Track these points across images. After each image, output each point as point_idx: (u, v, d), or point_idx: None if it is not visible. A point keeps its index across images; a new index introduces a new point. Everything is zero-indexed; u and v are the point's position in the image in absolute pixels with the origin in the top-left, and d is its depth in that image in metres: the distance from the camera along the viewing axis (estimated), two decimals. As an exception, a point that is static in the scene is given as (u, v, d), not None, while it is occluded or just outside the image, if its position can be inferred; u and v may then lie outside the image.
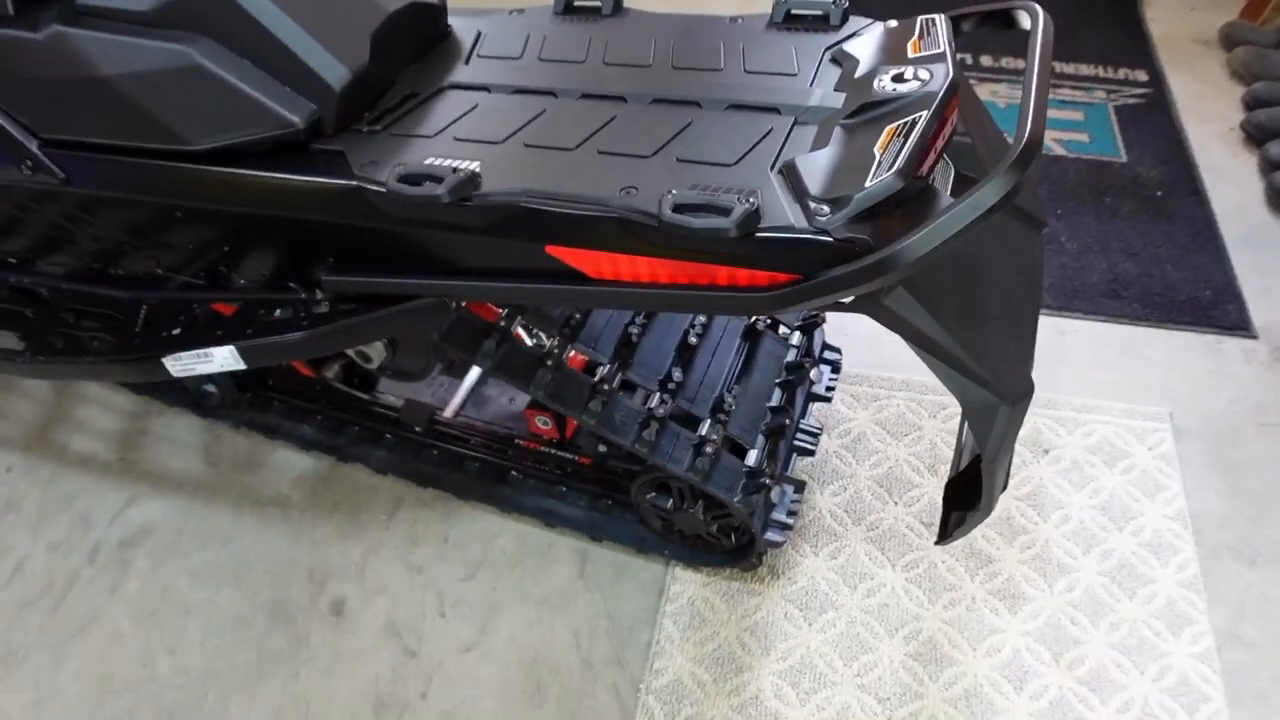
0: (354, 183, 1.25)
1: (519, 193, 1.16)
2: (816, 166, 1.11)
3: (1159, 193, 2.55)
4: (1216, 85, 3.02)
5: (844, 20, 1.42)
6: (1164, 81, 3.03)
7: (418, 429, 1.89)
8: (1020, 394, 1.21)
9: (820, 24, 1.43)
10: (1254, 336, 2.13)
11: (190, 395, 2.07)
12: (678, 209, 1.07)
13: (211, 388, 2.00)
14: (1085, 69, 3.08)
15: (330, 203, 1.29)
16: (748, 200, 1.06)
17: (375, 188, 1.22)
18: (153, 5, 1.33)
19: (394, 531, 1.86)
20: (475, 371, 1.93)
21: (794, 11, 1.44)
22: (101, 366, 1.61)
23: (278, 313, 1.48)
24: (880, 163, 1.06)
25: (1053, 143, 2.74)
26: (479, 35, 1.52)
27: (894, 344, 2.03)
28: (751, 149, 1.19)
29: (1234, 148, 2.74)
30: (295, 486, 1.95)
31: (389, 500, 1.91)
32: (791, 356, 1.76)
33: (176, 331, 1.56)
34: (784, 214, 1.07)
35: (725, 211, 1.05)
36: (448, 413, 1.88)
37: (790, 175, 1.12)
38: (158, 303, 1.64)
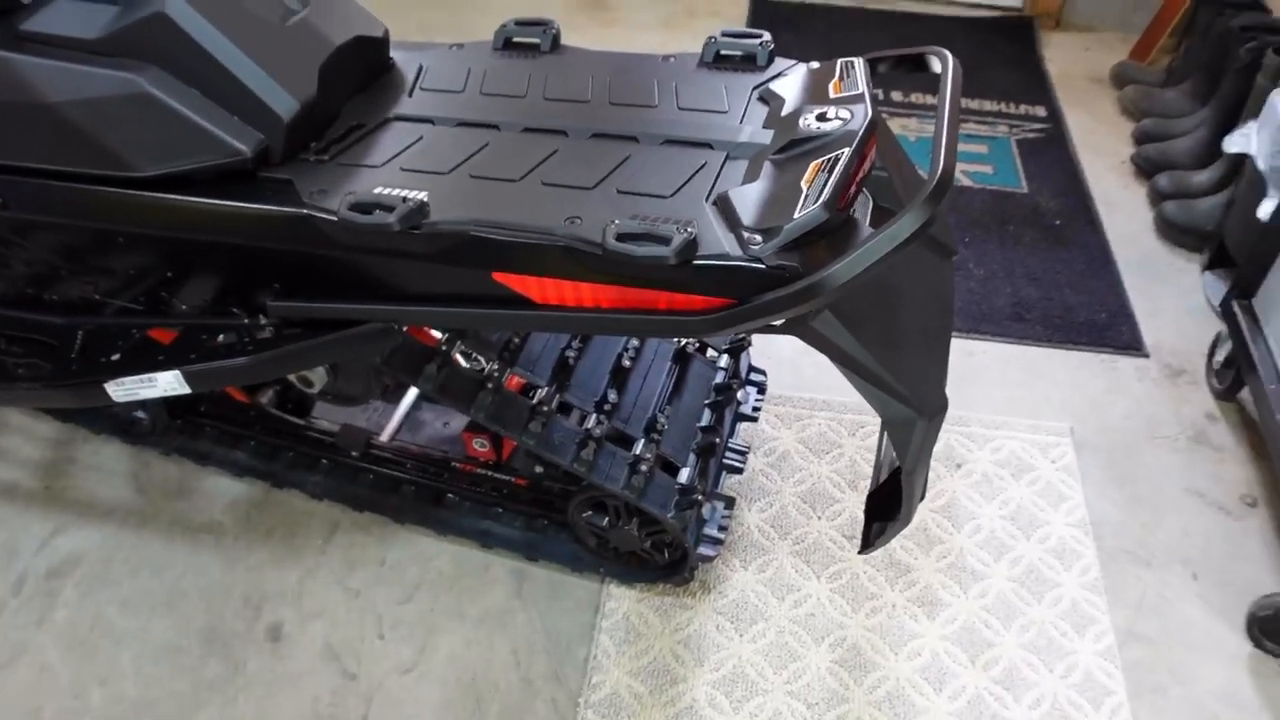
0: (303, 210, 1.28)
1: (467, 222, 1.21)
2: (748, 199, 1.19)
3: (1058, 221, 2.70)
4: (1109, 121, 3.21)
5: (769, 61, 1.51)
6: (1061, 117, 3.21)
7: (354, 453, 1.91)
8: (936, 409, 1.30)
9: (747, 64, 1.51)
10: (1146, 355, 2.28)
11: (118, 422, 2.06)
12: (620, 238, 1.14)
13: (142, 414, 1.99)
14: (989, 104, 3.24)
15: (278, 230, 1.32)
16: (686, 230, 1.13)
17: (326, 216, 1.26)
18: (101, 34, 1.35)
19: (330, 555, 1.87)
20: (411, 396, 1.97)
21: (723, 52, 1.53)
22: (38, 393, 1.61)
23: (221, 338, 1.50)
24: (807, 196, 1.14)
25: (959, 174, 2.89)
26: (421, 69, 1.57)
27: (814, 366, 2.13)
28: (687, 182, 1.26)
29: (1125, 179, 2.92)
30: (228, 513, 1.95)
31: (325, 525, 1.92)
32: (720, 378, 1.83)
33: (115, 357, 1.57)
34: (719, 243, 1.15)
35: (665, 240, 1.12)
36: (384, 437, 1.91)
37: (724, 207, 1.19)
38: (94, 328, 1.65)
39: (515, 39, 1.62)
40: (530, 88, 1.50)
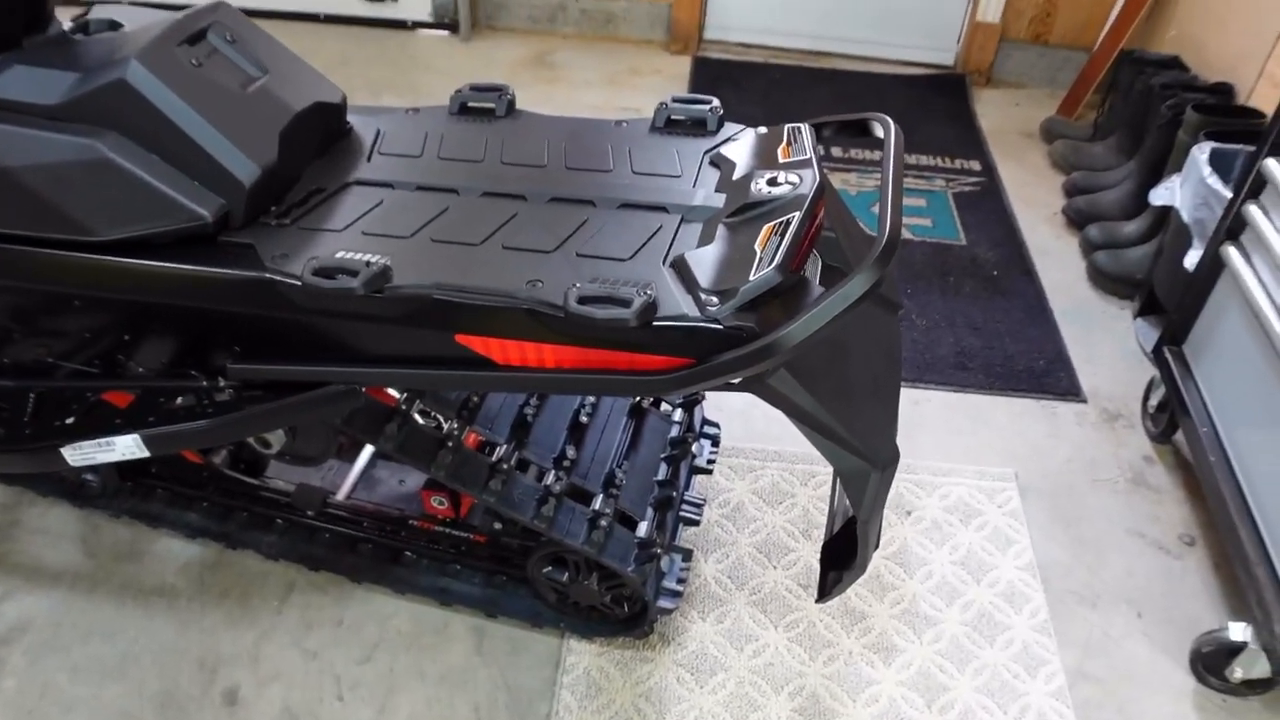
0: (265, 275, 1.30)
1: (430, 285, 1.24)
2: (704, 261, 1.23)
3: (995, 272, 2.79)
4: (1040, 174, 3.33)
5: (719, 126, 1.56)
6: (995, 171, 3.32)
7: (310, 513, 1.90)
8: (888, 460, 1.34)
9: (698, 129, 1.56)
10: (1084, 401, 2.36)
11: (67, 485, 2.03)
12: (582, 300, 1.17)
13: (91, 477, 1.97)
14: (925, 159, 3.35)
15: (240, 293, 1.33)
16: (645, 292, 1.16)
17: (289, 280, 1.27)
18: (60, 100, 1.36)
19: (286, 617, 1.86)
20: (366, 454, 1.97)
21: (674, 117, 1.58)
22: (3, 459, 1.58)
23: (179, 400, 1.50)
24: (761, 258, 1.18)
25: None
26: (379, 133, 1.60)
27: (765, 418, 2.18)
28: (644, 245, 1.30)
29: (1058, 230, 3.03)
30: (181, 575, 1.93)
31: (280, 585, 1.91)
32: (675, 432, 1.86)
33: (70, 420, 1.56)
34: (678, 304, 1.18)
35: (625, 303, 1.15)
36: (340, 495, 1.90)
37: (681, 269, 1.23)
38: (47, 391, 1.63)
39: (471, 104, 1.66)
40: (488, 152, 1.53)
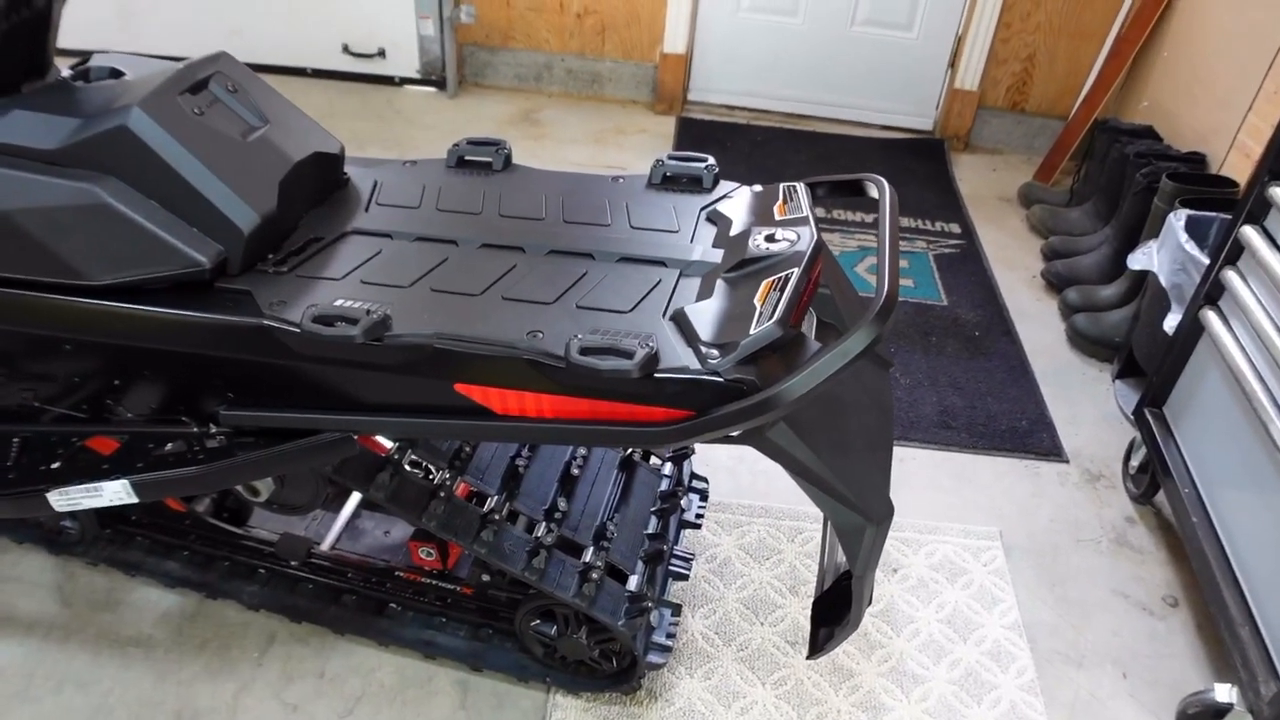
0: (263, 321, 1.29)
1: (430, 334, 1.24)
2: (704, 315, 1.24)
3: (977, 333, 2.83)
4: (1018, 237, 3.40)
5: (714, 183, 1.59)
6: (974, 234, 3.38)
7: (293, 563, 1.88)
8: (883, 515, 1.34)
9: (694, 186, 1.59)
10: (1066, 461, 2.38)
11: (43, 531, 1.99)
12: (584, 351, 1.17)
13: (70, 523, 1.94)
14: (907, 221, 3.40)
15: (236, 340, 1.33)
16: (647, 344, 1.17)
17: (287, 327, 1.27)
18: (60, 144, 1.36)
19: (267, 669, 1.82)
20: (351, 504, 1.95)
21: (670, 174, 1.60)
22: None
23: (168, 446, 1.49)
24: (761, 313, 1.20)
25: (882, 286, 3.01)
26: (376, 184, 1.61)
27: (751, 473, 2.18)
28: (643, 298, 1.31)
29: (1037, 293, 3.07)
30: (159, 625, 1.89)
31: (261, 636, 1.87)
32: (665, 486, 1.86)
33: (56, 465, 1.54)
34: (679, 357, 1.19)
35: (628, 354, 1.16)
36: (324, 545, 1.88)
37: (681, 322, 1.24)
38: (31, 436, 1.61)
39: (468, 157, 1.68)
40: (486, 205, 1.55)
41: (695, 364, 1.18)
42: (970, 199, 3.63)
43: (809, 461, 1.25)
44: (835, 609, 1.49)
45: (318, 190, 1.57)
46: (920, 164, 3.88)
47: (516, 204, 1.55)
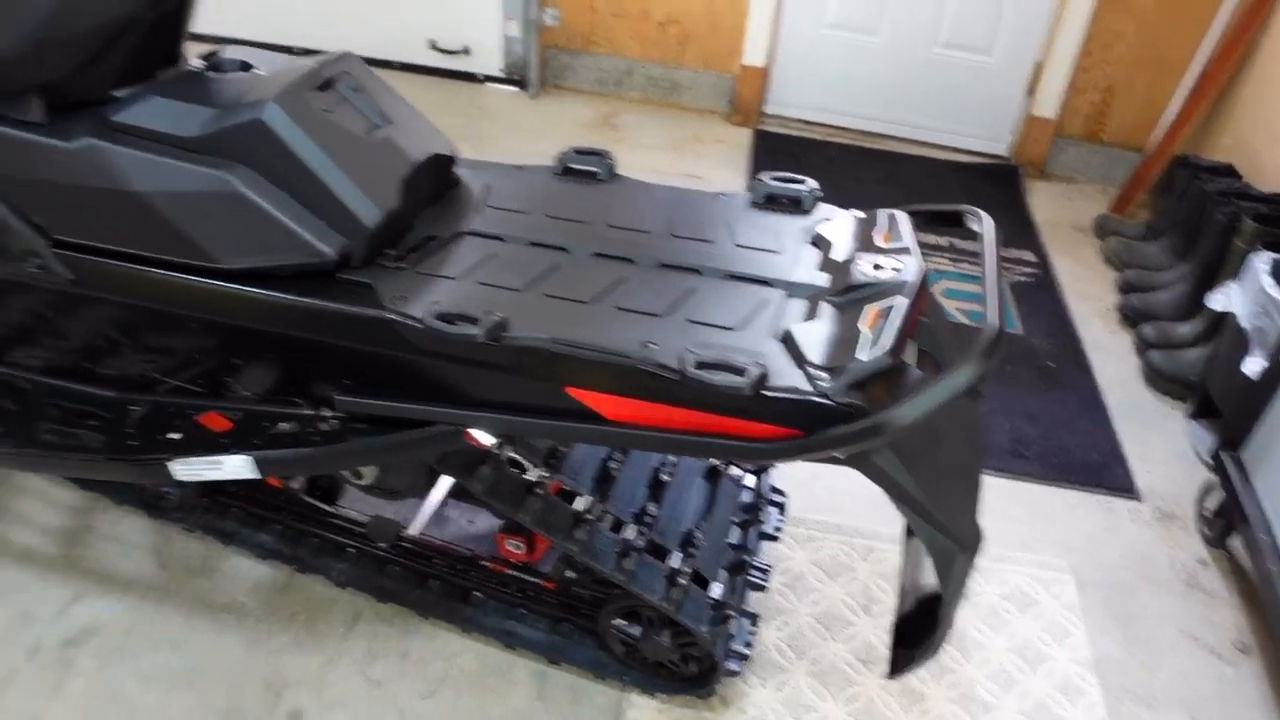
0: (386, 314, 1.35)
1: (547, 338, 1.29)
2: (812, 337, 1.28)
3: (1051, 363, 2.84)
4: (1093, 268, 3.39)
5: (814, 206, 1.62)
6: (1049, 263, 3.38)
7: (382, 545, 1.94)
8: (974, 542, 1.37)
9: (794, 207, 1.62)
10: (1138, 499, 2.39)
11: (144, 495, 2.07)
12: (699, 365, 1.22)
13: (170, 489, 2.01)
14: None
15: (358, 330, 1.39)
16: (759, 363, 1.21)
17: (410, 322, 1.33)
18: (198, 133, 1.42)
19: (352, 644, 1.89)
20: (439, 492, 2.01)
21: (771, 194, 1.63)
22: (99, 465, 1.63)
23: (282, 426, 1.55)
24: (869, 339, 1.23)
25: (958, 312, 3.03)
26: (487, 187, 1.66)
27: (827, 490, 2.21)
28: (751, 316, 1.35)
29: (1112, 326, 3.08)
30: (251, 594, 1.97)
31: (347, 613, 1.94)
32: (746, 497, 1.90)
33: (176, 436, 1.61)
34: (788, 377, 1.23)
35: (740, 371, 1.21)
36: (413, 530, 1.94)
37: (789, 343, 1.28)
38: (149, 405, 1.69)
39: (574, 166, 1.72)
40: (594, 214, 1.59)
41: (805, 385, 1.22)
42: (1045, 227, 3.63)
43: (910, 487, 1.28)
44: (918, 631, 1.52)
45: (432, 190, 1.62)
46: (994, 190, 3.89)
47: (623, 215, 1.59)
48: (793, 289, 1.41)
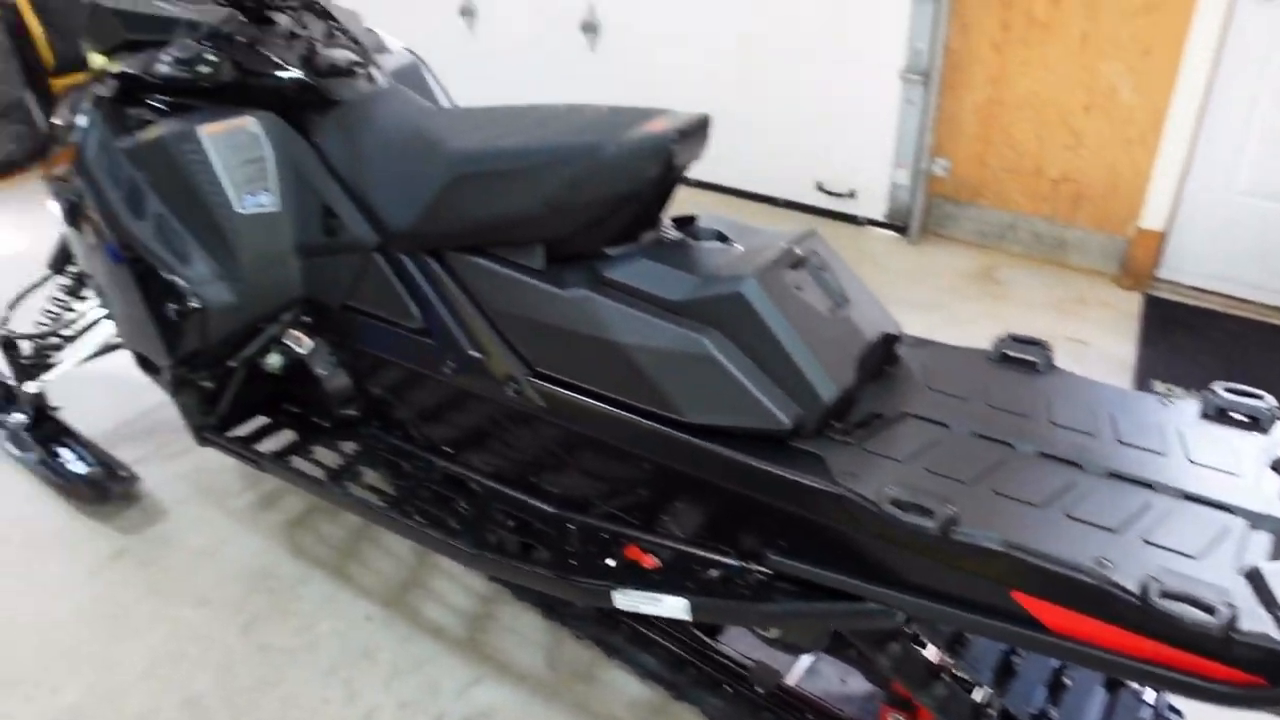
0: (838, 489, 1.44)
1: (1000, 541, 1.32)
2: None
3: None
4: None
5: (1272, 425, 1.55)
6: None
7: (760, 690, 2.01)
8: None
9: (1251, 425, 1.56)
10: None
11: (542, 595, 2.26)
12: (1164, 595, 1.20)
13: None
14: None
15: (802, 498, 1.48)
16: (1228, 603, 1.17)
17: (864, 503, 1.40)
18: (680, 297, 1.60)
19: (718, 780, 1.96)
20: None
21: (1223, 407, 1.58)
22: (548, 581, 1.81)
23: (711, 572, 1.67)
24: None
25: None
26: (926, 367, 1.73)
27: (1220, 714, 2.04)
28: (1213, 545, 1.31)
29: None
30: (628, 709, 2.10)
31: (717, 748, 2.02)
32: (1146, 715, 1.81)
33: (611, 563, 1.77)
34: (1258, 621, 1.18)
35: (1210, 610, 1.17)
36: (790, 680, 2.00)
37: (1257, 582, 1.23)
38: (583, 525, 1.86)
39: (1012, 354, 1.75)
40: (1035, 409, 1.61)
41: (1277, 633, 1.17)
42: None
43: None
44: None
45: (877, 365, 1.71)
46: None
47: (1066, 413, 1.60)
48: (1256, 520, 1.36)
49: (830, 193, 4.37)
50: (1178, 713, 1.93)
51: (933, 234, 4.39)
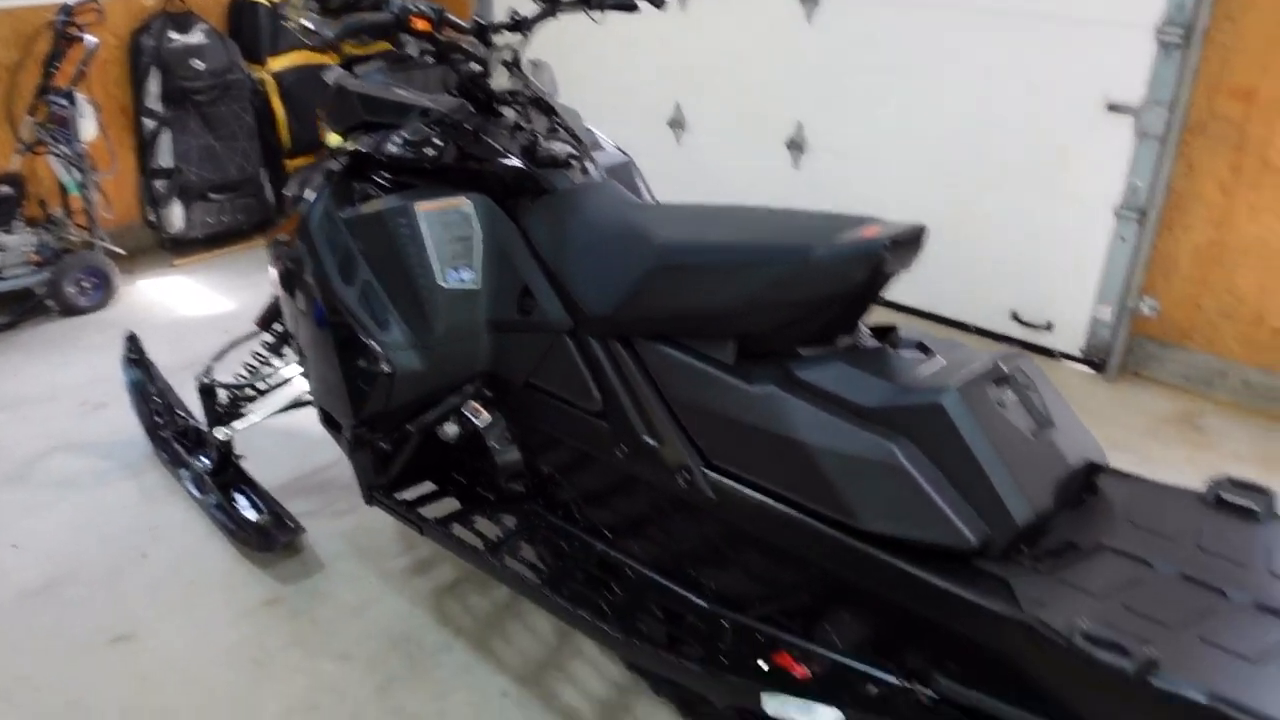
0: (1022, 617, 1.32)
1: (1204, 691, 1.17)
2: None
3: None
4: None
5: None
6: None
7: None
8: None
9: None
10: None
11: (681, 692, 2.17)
12: None
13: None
14: None
15: (983, 624, 1.37)
16: None
17: (1055, 636, 1.28)
18: (873, 404, 1.52)
19: None
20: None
21: None
22: (694, 674, 1.74)
23: (871, 688, 1.55)
24: None
25: None
26: (1130, 501, 1.59)
27: None
28: None
29: None
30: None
31: None
32: None
33: (764, 666, 1.68)
34: None
35: None
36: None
37: None
38: (737, 625, 1.78)
39: (1227, 497, 1.59)
40: (1253, 558, 1.45)
41: None
42: None
43: None
44: None
45: (1076, 494, 1.59)
46: None
47: None
48: None
49: (1025, 323, 4.20)
50: None
51: (1131, 373, 4.14)
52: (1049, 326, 4.15)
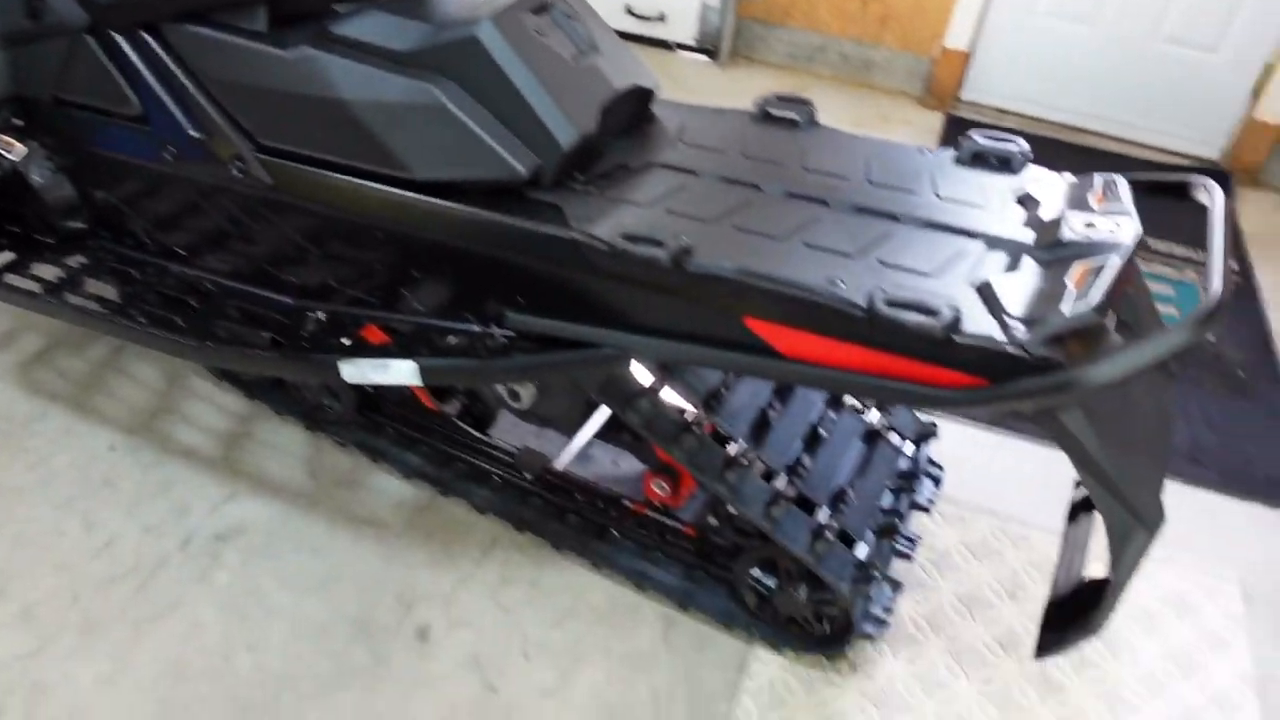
0: (572, 234, 1.34)
1: (733, 269, 1.26)
2: (1011, 289, 1.20)
3: (1240, 372, 2.64)
4: (1300, 285, 3.14)
5: (1023, 167, 1.53)
6: (1252, 273, 3.15)
7: (528, 476, 1.95)
8: (1156, 522, 1.28)
9: (1003, 167, 1.53)
10: (1327, 523, 2.19)
11: (301, 406, 2.14)
12: (890, 304, 1.16)
13: (331, 402, 2.07)
14: (1178, 249, 3.20)
15: (539, 249, 1.39)
16: (953, 306, 1.15)
17: (596, 242, 1.32)
18: (409, 47, 1.45)
19: (485, 569, 1.91)
20: (588, 430, 2.00)
21: (978, 152, 1.55)
22: (273, 361, 1.68)
23: (451, 340, 1.57)
24: (1075, 294, 1.15)
25: (1141, 310, 2.85)
26: (683, 125, 1.64)
27: (976, 470, 2.11)
28: (948, 263, 1.28)
29: (1313, 345, 2.84)
30: (393, 511, 2.01)
31: (484, 538, 1.96)
32: (904, 465, 1.83)
33: (346, 342, 1.64)
34: (983, 325, 1.17)
35: (933, 312, 1.15)
36: (559, 464, 1.94)
37: (986, 293, 1.21)
38: (326, 314, 1.73)
39: (774, 112, 1.68)
40: (790, 157, 1.55)
41: (999, 334, 1.15)
42: (1251, 238, 3.37)
43: (1096, 453, 1.20)
44: (1073, 614, 1.44)
45: (628, 121, 1.61)
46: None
47: (821, 160, 1.54)
48: (994, 242, 1.34)
49: (640, 16, 4.20)
50: (938, 466, 1.98)
51: (742, 57, 4.29)
52: (662, 18, 4.18)
